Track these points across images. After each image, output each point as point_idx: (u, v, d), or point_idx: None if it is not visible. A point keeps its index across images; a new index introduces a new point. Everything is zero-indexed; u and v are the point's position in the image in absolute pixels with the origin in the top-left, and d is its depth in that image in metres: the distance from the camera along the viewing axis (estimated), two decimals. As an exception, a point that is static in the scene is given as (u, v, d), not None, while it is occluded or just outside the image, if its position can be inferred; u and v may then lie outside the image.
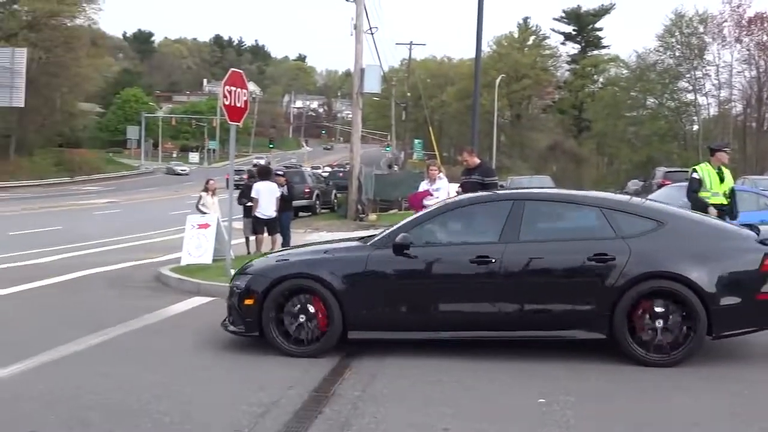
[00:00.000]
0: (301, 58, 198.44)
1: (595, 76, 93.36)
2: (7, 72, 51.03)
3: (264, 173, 16.78)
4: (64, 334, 8.43)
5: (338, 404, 6.06)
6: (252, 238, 16.36)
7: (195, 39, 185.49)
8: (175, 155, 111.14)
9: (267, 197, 15.83)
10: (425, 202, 12.55)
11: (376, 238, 7.86)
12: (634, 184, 37.15)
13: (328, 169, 70.86)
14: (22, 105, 54.13)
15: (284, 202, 16.26)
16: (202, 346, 7.92)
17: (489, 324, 7.33)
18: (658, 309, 7.02)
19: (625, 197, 9.14)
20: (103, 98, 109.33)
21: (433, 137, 57.41)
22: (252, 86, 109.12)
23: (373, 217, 29.51)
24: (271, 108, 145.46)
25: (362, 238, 8.51)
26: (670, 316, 7.01)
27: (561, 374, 6.89)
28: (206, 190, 17.77)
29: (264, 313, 7.53)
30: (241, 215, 17.25)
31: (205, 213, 16.67)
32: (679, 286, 6.99)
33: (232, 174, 13.95)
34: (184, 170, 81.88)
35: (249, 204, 16.39)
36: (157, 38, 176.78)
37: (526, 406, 6.03)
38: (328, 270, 7.52)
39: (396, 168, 68.17)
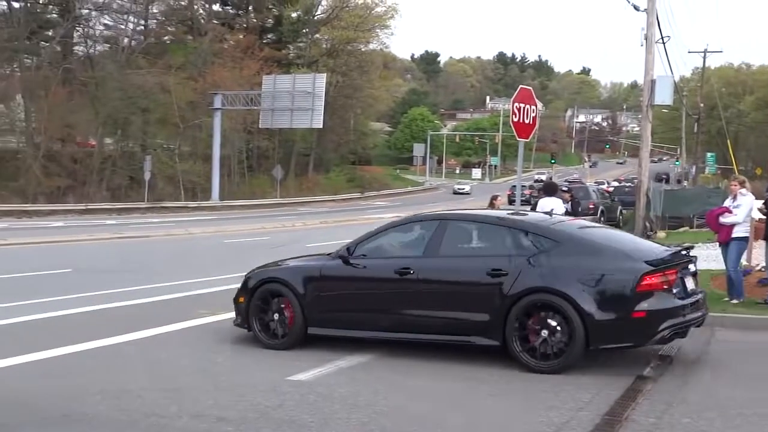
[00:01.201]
0: (585, 72, 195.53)
1: None
2: (308, 96, 55.83)
3: (550, 189, 16.62)
4: (358, 343, 8.80)
5: (632, 431, 5.79)
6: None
7: (479, 57, 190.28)
8: (457, 171, 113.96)
9: (551, 213, 15.66)
10: (722, 219, 11.71)
11: (334, 251, 9.00)
12: None
13: (615, 183, 68.78)
14: (321, 126, 59.25)
15: (569, 219, 15.97)
16: (489, 361, 7.97)
17: (408, 327, 8.27)
18: (541, 321, 7.62)
19: (544, 218, 9.38)
20: (392, 117, 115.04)
21: (730, 150, 53.66)
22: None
23: (662, 234, 28.12)
24: (553, 123, 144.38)
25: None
26: (552, 328, 7.55)
27: None
28: (492, 205, 17.96)
29: (250, 311, 8.92)
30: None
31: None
32: (559, 300, 7.54)
33: (519, 190, 14.02)
34: (462, 188, 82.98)
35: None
36: (443, 58, 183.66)
37: None
38: (294, 276, 8.88)
39: (685, 183, 64.59)
